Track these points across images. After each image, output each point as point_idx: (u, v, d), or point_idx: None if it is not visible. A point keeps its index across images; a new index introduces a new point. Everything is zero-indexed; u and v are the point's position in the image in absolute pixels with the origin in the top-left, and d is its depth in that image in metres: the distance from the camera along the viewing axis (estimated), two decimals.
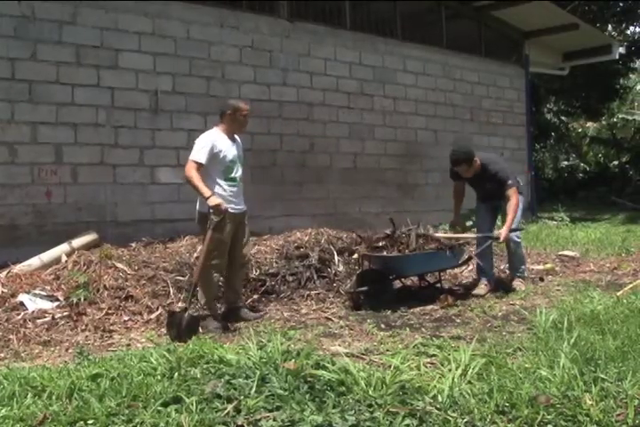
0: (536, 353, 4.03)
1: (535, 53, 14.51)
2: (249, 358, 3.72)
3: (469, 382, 3.44)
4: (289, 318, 6.03)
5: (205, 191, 5.48)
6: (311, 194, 9.98)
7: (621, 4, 21.96)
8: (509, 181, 6.77)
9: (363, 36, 10.88)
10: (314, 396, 3.22)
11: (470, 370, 3.58)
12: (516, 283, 7.19)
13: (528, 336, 4.78)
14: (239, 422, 3.02)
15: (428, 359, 4.15)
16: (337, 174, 10.40)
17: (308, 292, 6.79)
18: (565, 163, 27.55)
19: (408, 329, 5.37)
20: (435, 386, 3.32)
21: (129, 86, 8.23)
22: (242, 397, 3.22)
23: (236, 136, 5.98)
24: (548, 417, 3.01)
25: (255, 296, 6.59)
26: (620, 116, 27.10)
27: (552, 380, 3.38)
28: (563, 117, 25.90)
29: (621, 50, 20.36)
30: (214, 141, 5.69)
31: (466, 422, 3.00)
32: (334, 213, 9.99)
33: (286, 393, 3.23)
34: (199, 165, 5.58)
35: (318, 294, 6.77)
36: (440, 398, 3.18)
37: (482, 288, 6.99)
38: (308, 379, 3.40)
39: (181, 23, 8.71)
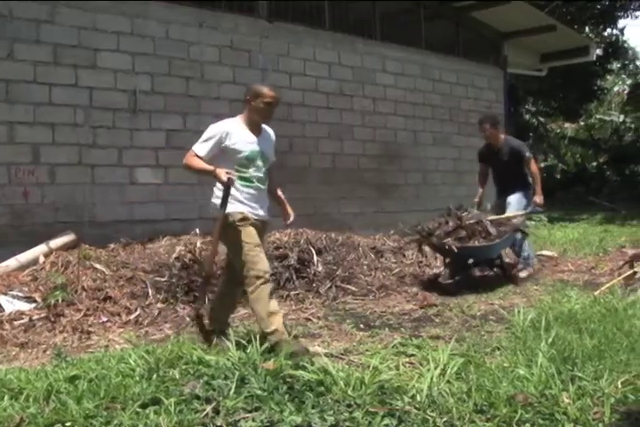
0: (514, 352, 4.06)
1: (513, 54, 14.58)
2: (228, 359, 3.72)
3: (448, 381, 3.46)
4: None
5: (209, 169, 4.66)
6: (290, 194, 9.79)
7: (598, 7, 22.16)
8: (527, 154, 8.07)
9: (342, 36, 10.89)
10: (293, 396, 3.23)
11: (449, 370, 3.60)
12: (522, 273, 7.88)
13: (506, 336, 4.81)
14: (218, 423, 3.02)
15: (407, 359, 4.17)
16: (316, 175, 10.40)
17: (287, 292, 6.80)
18: (544, 163, 27.73)
19: (387, 329, 5.40)
20: (413, 386, 3.34)
21: (107, 86, 8.17)
22: (221, 398, 3.22)
23: (265, 128, 5.06)
24: (526, 416, 3.04)
25: None
26: (598, 116, 27.36)
27: (530, 379, 3.41)
28: (541, 118, 26.11)
29: (598, 51, 20.57)
30: (226, 132, 4.78)
31: (444, 421, 3.02)
32: (313, 214, 9.98)
33: (265, 394, 3.23)
34: (197, 157, 4.77)
35: (297, 294, 6.78)
36: (419, 398, 3.19)
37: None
38: (288, 379, 3.41)
39: (160, 23, 8.67)
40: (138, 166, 8.37)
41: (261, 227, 4.92)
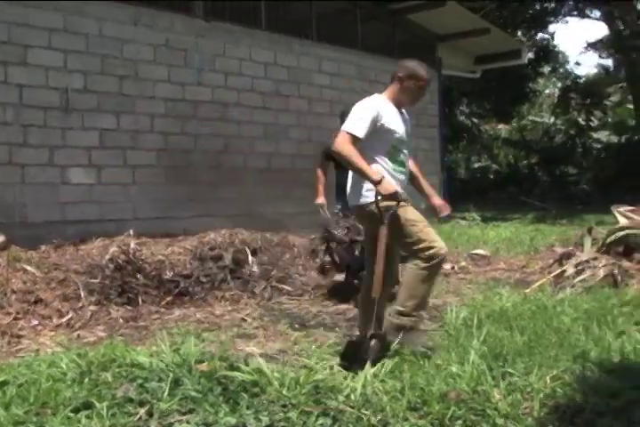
0: (447, 350, 4.11)
1: (448, 56, 14.80)
2: (162, 361, 3.68)
3: (382, 380, 3.49)
4: (203, 320, 5.97)
5: (372, 173, 4.13)
6: (226, 194, 9.92)
7: (530, 11, 22.69)
8: None
9: (278, 36, 10.89)
10: (228, 397, 3.21)
11: (383, 368, 3.63)
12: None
13: (439, 334, 4.87)
14: (152, 426, 2.98)
15: None
16: (252, 175, 10.37)
17: (222, 293, 6.76)
18: (477, 164, 28.22)
19: (322, 329, 5.42)
20: (348, 385, 3.35)
21: (38, 84, 8.01)
22: (154, 400, 3.18)
23: (403, 110, 4.61)
24: (459, 412, 3.08)
25: (169, 298, 6.52)
26: (530, 118, 28.00)
27: (462, 376, 3.46)
28: (475, 119, 26.58)
29: (530, 55, 21.05)
30: (379, 110, 4.31)
31: (379, 419, 3.04)
32: (249, 214, 9.95)
33: (200, 395, 3.21)
34: (355, 140, 4.20)
35: (233, 295, 6.75)
36: (353, 397, 3.21)
37: None
38: (222, 380, 3.38)
39: (94, 20, 8.52)
40: (70, 166, 8.23)
41: None
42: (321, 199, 7.28)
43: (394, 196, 4.11)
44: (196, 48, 9.68)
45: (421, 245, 4.23)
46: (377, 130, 4.27)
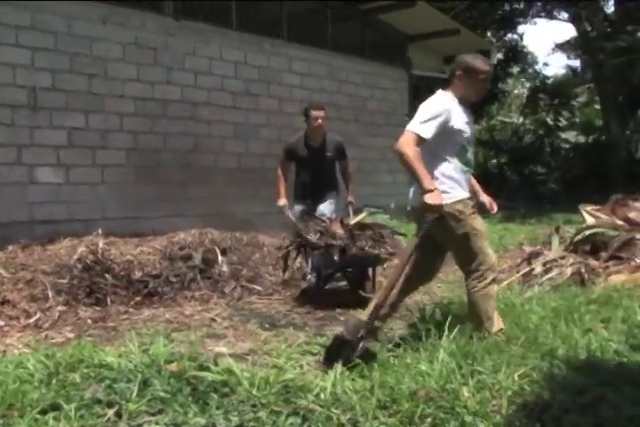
0: (417, 349, 4.12)
1: (419, 56, 14.87)
2: (130, 362, 3.65)
3: (352, 379, 3.50)
4: (172, 320, 5.94)
5: (427, 180, 4.05)
6: (196, 194, 9.88)
7: (500, 12, 22.87)
8: (348, 155, 7.19)
9: (249, 36, 10.87)
10: (197, 398, 3.20)
11: (353, 367, 3.64)
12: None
13: (409, 332, 4.89)
14: None
15: (312, 358, 4.20)
16: (222, 174, 10.34)
17: (191, 293, 6.73)
18: None
19: (292, 328, 5.42)
20: (318, 384, 3.36)
21: (6, 82, 7.92)
22: (123, 401, 3.15)
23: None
24: (428, 410, 3.10)
25: (138, 298, 6.48)
26: (499, 118, 28.16)
27: (431, 374, 3.47)
28: None
29: (499, 55, 21.20)
30: (449, 111, 4.21)
31: (348, 418, 3.04)
32: (219, 214, 9.92)
33: (169, 396, 3.19)
34: (420, 141, 4.11)
35: (202, 294, 6.72)
36: (323, 396, 3.21)
37: None
38: (191, 381, 3.37)
39: (63, 18, 8.44)
40: (38, 165, 8.16)
41: None
42: (283, 201, 7.07)
43: (436, 207, 4.06)
44: (166, 47, 9.63)
45: (478, 259, 4.34)
46: (447, 130, 4.19)
